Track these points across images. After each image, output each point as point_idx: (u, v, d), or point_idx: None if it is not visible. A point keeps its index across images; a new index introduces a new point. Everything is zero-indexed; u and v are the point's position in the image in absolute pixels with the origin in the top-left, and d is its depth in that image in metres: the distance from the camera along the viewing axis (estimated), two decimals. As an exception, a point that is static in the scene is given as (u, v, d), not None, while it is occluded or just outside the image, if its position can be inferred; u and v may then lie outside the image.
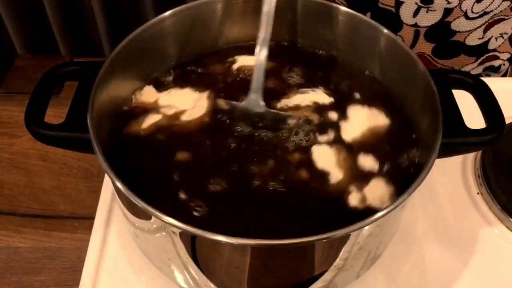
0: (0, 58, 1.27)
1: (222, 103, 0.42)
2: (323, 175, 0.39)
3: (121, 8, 1.19)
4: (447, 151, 0.37)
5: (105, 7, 1.14)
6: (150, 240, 0.38)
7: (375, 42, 0.44)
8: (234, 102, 0.42)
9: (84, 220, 0.55)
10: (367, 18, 0.44)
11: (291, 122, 0.41)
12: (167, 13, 0.44)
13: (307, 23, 0.47)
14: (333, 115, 0.43)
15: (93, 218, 0.48)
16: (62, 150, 0.61)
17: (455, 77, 0.40)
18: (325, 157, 0.39)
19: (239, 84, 0.45)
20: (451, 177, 0.49)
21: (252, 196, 0.37)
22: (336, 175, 0.39)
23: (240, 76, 0.46)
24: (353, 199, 0.37)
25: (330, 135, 0.41)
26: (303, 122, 0.42)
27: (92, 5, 1.15)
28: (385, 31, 0.43)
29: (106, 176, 0.49)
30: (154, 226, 0.35)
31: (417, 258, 0.43)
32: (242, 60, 0.47)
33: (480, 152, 0.49)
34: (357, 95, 0.44)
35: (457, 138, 0.37)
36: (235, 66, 0.47)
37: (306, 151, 0.40)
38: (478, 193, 0.48)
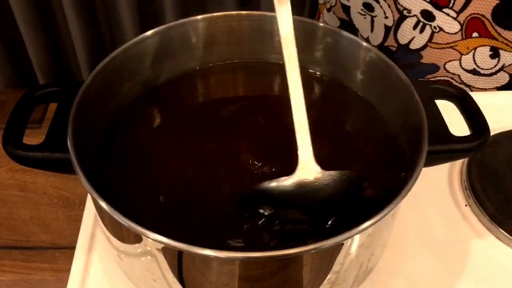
0: (-21, 93, 1.26)
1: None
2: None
3: (102, 41, 1.20)
4: (433, 160, 0.37)
5: (86, 42, 1.15)
6: (135, 261, 0.36)
7: (355, 56, 0.44)
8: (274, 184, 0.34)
9: (65, 250, 0.53)
10: (346, 32, 0.44)
11: None
12: (149, 32, 0.43)
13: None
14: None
15: (74, 247, 0.46)
16: (42, 179, 0.61)
17: (438, 88, 0.41)
18: None
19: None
20: (438, 190, 0.49)
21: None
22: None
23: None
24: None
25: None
26: None
27: (72, 40, 1.15)
28: (364, 44, 0.43)
29: (87, 201, 0.47)
30: (138, 245, 0.33)
31: (410, 271, 0.42)
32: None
33: (465, 164, 0.49)
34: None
35: (443, 146, 0.36)
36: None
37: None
38: (466, 205, 0.48)
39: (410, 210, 0.46)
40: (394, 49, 0.63)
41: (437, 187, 0.49)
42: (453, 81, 0.63)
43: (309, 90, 0.46)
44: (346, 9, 0.67)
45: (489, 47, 0.57)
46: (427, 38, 0.59)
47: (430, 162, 0.36)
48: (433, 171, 0.41)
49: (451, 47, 0.59)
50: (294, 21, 0.36)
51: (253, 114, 0.44)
